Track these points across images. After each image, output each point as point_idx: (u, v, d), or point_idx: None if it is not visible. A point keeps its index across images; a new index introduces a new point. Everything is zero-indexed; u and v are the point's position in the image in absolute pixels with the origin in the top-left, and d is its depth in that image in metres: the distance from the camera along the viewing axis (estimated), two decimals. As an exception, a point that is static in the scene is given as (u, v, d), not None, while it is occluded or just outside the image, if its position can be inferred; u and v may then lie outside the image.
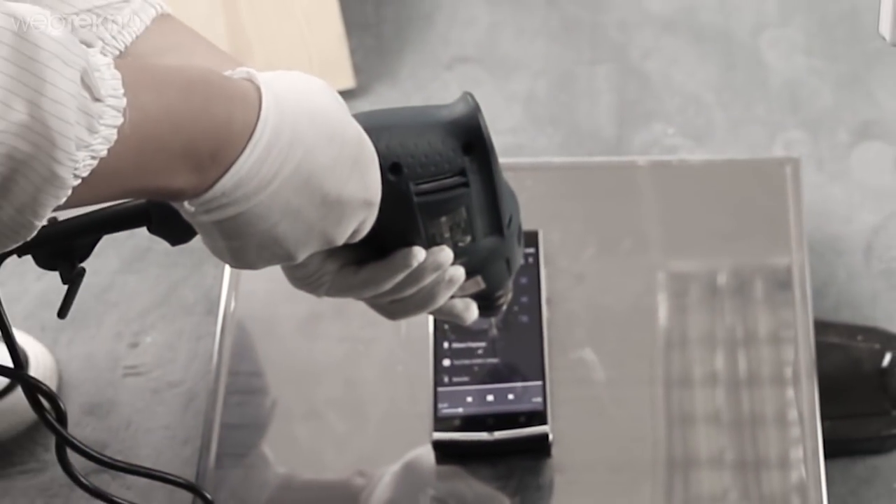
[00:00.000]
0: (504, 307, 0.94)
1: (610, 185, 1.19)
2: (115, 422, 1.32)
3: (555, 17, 1.61)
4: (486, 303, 0.91)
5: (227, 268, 1.15)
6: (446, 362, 1.05)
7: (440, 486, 1.04)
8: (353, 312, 1.11)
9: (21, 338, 1.34)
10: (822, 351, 1.17)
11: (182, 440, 1.30)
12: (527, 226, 1.12)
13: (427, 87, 1.56)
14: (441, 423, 1.03)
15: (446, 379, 1.05)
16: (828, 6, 1.59)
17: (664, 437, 1.05)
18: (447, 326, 1.07)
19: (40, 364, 1.33)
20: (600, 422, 1.06)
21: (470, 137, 0.78)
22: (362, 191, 0.73)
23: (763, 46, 1.57)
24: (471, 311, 0.90)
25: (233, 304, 1.13)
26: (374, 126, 0.75)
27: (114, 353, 1.36)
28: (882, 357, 1.27)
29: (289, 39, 1.50)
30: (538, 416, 1.03)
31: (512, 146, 1.47)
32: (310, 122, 0.70)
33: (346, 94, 1.51)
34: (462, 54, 1.59)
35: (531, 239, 1.10)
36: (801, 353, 1.08)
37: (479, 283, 0.87)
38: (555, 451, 1.04)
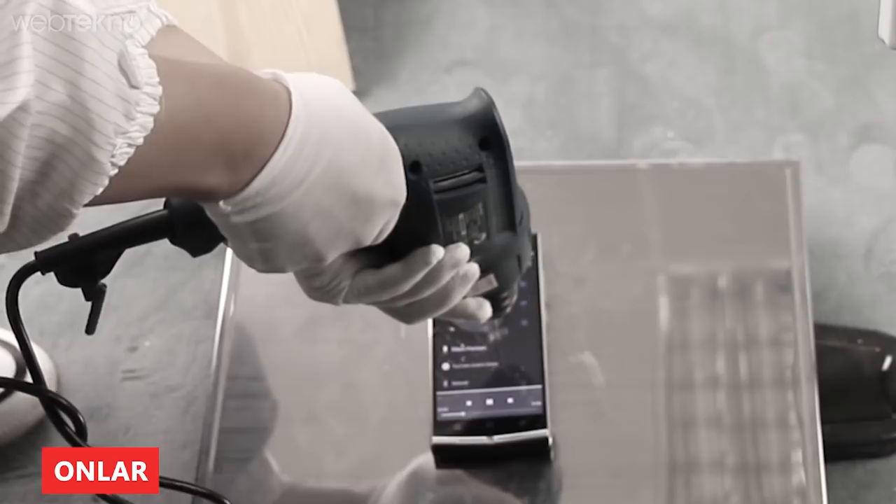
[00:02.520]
0: (509, 309, 0.94)
1: (609, 189, 1.19)
2: (114, 426, 1.32)
3: (554, 21, 1.61)
4: (493, 303, 0.91)
5: (226, 271, 1.15)
6: (445, 366, 1.05)
7: (440, 490, 1.03)
8: (353, 316, 1.11)
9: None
10: (823, 354, 1.17)
11: (181, 444, 1.29)
12: (526, 229, 1.12)
13: (426, 90, 1.56)
14: (441, 427, 1.03)
15: (446, 383, 1.05)
16: (827, 9, 1.59)
17: (664, 441, 1.05)
18: (450, 329, 1.06)
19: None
20: (600, 426, 1.06)
21: (486, 133, 0.78)
22: (389, 189, 0.74)
23: (762, 49, 1.57)
24: (484, 310, 0.90)
25: (232, 308, 1.13)
26: (392, 125, 0.75)
27: (112, 358, 1.36)
28: (882, 360, 1.27)
29: (287, 42, 1.50)
30: (538, 420, 1.03)
31: (512, 149, 1.47)
32: (337, 121, 0.70)
33: (346, 98, 1.51)
34: (461, 57, 1.59)
35: (531, 242, 1.10)
36: (802, 357, 1.08)
37: (491, 282, 0.87)
38: (555, 454, 1.04)
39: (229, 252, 1.16)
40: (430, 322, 1.07)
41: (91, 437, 1.31)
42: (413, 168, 0.76)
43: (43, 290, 1.39)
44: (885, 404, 1.25)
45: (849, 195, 1.44)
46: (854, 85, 1.53)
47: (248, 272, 1.15)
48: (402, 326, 1.10)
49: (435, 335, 1.06)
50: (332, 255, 0.75)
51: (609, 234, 1.15)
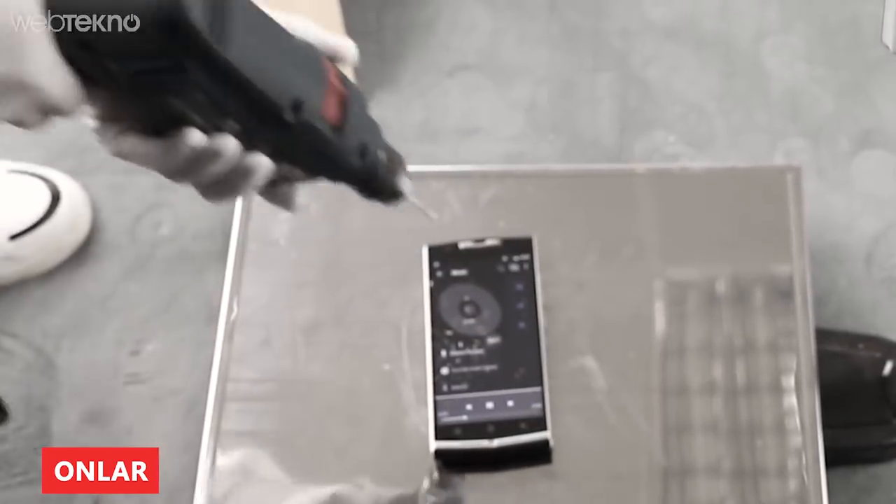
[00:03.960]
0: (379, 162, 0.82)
1: (611, 193, 1.19)
2: (116, 429, 1.32)
3: (556, 25, 1.61)
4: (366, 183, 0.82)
5: (229, 275, 1.15)
6: (444, 370, 1.05)
7: (441, 494, 1.03)
8: (353, 320, 1.11)
9: (54, 175, 1.45)
10: (823, 359, 1.17)
11: (182, 448, 1.30)
12: (527, 232, 1.13)
13: (428, 93, 1.56)
14: (441, 432, 1.03)
15: (445, 387, 1.05)
16: (829, 14, 1.59)
17: (667, 446, 1.05)
18: (448, 333, 1.07)
19: (73, 199, 1.44)
20: (601, 429, 1.06)
21: (169, 25, 0.69)
22: (10, 73, 0.69)
23: (764, 54, 1.57)
24: (291, 200, 0.83)
25: (234, 312, 1.13)
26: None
27: (115, 361, 1.37)
28: (883, 366, 1.27)
29: (290, 47, 1.50)
30: (538, 423, 1.03)
31: (514, 153, 1.47)
32: None
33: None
34: (463, 61, 1.59)
35: (525, 245, 1.11)
36: (803, 362, 1.08)
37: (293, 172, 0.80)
38: (555, 458, 1.04)
39: (231, 256, 1.16)
40: (428, 327, 1.07)
41: (93, 441, 1.32)
42: (81, 46, 0.70)
43: (45, 292, 1.39)
44: (885, 409, 1.25)
45: (850, 200, 1.44)
46: (855, 90, 1.53)
47: (250, 276, 1.15)
48: (403, 331, 1.11)
49: (434, 340, 1.07)
50: None
51: (610, 239, 1.15)
